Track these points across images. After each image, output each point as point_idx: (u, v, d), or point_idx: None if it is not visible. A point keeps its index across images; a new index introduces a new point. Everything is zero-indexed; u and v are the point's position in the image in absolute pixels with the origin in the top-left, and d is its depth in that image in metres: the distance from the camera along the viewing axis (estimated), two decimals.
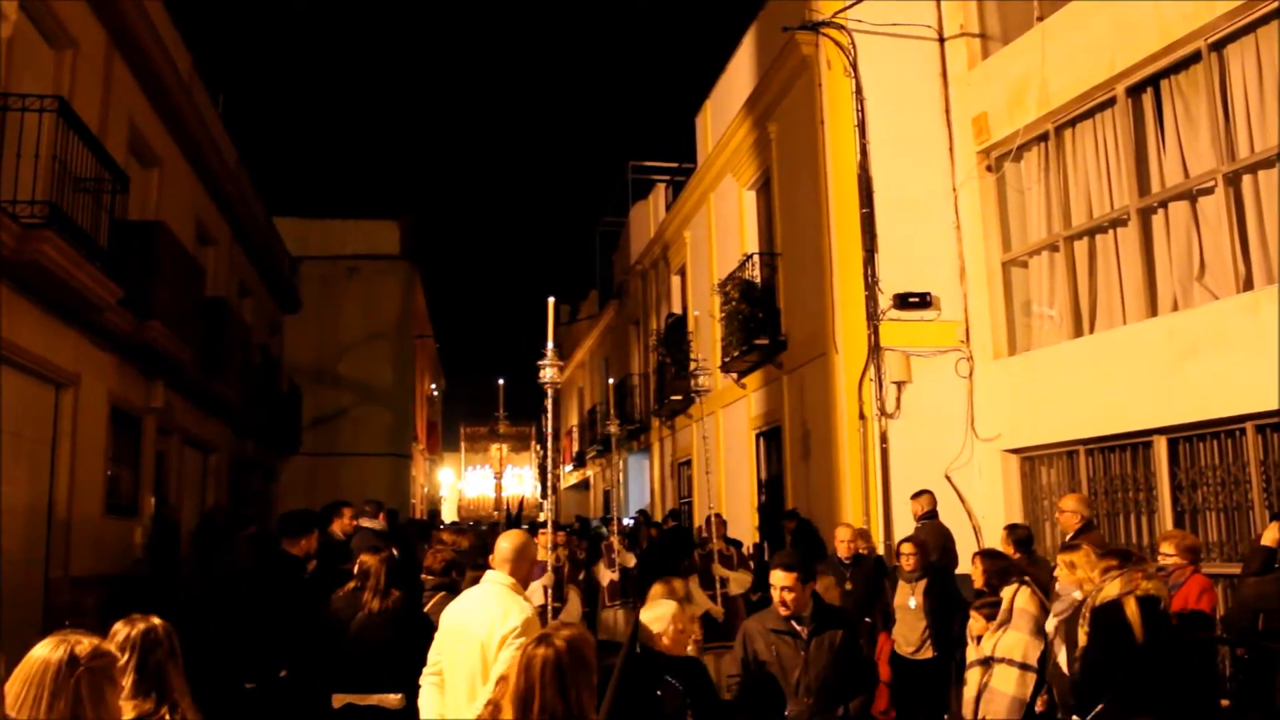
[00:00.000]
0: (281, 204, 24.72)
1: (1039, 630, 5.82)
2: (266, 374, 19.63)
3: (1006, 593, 6.14)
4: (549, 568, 7.74)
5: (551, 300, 7.77)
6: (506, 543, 4.78)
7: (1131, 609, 4.80)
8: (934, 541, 9.67)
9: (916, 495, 10.23)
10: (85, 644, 2.64)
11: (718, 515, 10.94)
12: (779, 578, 4.88)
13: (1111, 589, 4.94)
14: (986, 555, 7.00)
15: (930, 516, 10.00)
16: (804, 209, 12.85)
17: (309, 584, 7.30)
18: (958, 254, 11.80)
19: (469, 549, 8.95)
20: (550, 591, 7.70)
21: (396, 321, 27.62)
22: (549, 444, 8.28)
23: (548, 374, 7.64)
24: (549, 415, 7.99)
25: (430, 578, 6.96)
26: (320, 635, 6.23)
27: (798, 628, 4.87)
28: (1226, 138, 8.59)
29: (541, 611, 6.31)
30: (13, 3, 8.63)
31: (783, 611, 4.89)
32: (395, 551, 7.67)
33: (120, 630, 3.20)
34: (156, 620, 3.29)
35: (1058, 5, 10.47)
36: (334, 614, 6.19)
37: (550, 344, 7.59)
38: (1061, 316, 10.59)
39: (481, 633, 4.47)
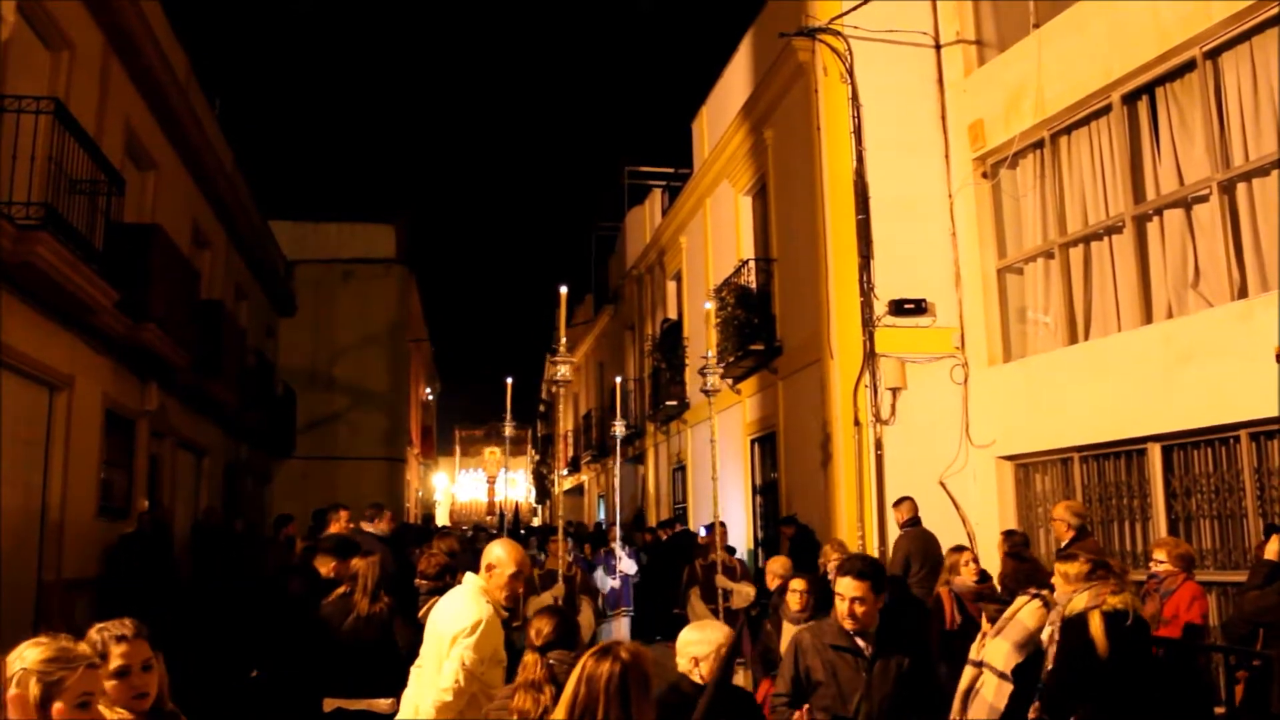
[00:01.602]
0: (278, 207, 24.73)
1: (1026, 645, 5.79)
2: (261, 377, 19.62)
3: (1019, 601, 6.11)
4: (559, 577, 7.46)
5: (564, 290, 7.16)
6: (494, 548, 4.80)
7: (1095, 624, 4.75)
8: (915, 549, 9.58)
9: (898, 503, 10.22)
10: (43, 648, 2.67)
11: (721, 523, 10.35)
12: (849, 586, 4.23)
13: (1078, 603, 4.90)
14: (1014, 556, 6.92)
15: (913, 524, 9.94)
16: (800, 215, 12.86)
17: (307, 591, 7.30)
18: (953, 260, 11.81)
19: (457, 552, 8.88)
20: (561, 602, 7.45)
21: (392, 325, 27.61)
22: (557, 444, 8.06)
23: (561, 370, 7.17)
24: (558, 414, 7.68)
25: (424, 582, 6.96)
26: (307, 639, 6.23)
27: (861, 644, 4.24)
28: (1221, 145, 8.61)
29: None
30: (11, 3, 8.62)
31: (849, 625, 4.25)
32: (393, 557, 7.69)
33: (91, 635, 3.15)
34: (117, 625, 3.22)
35: (1053, 12, 10.49)
36: (324, 618, 6.19)
37: (564, 339, 7.12)
38: (1056, 323, 10.61)
39: (442, 630, 4.55)
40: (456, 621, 4.47)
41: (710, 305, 9.10)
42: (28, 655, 2.65)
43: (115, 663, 3.09)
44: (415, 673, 4.85)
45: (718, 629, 4.12)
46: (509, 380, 11.44)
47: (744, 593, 10.14)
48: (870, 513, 11.08)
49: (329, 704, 5.96)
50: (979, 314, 11.51)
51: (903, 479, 11.02)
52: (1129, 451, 9.48)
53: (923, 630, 5.58)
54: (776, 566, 8.23)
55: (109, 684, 3.05)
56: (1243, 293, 8.37)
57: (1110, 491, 9.73)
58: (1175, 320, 8.99)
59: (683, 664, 4.09)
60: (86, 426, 10.78)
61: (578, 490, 34.14)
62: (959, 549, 7.86)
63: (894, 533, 10.78)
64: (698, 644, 4.04)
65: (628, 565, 12.99)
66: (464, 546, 10.72)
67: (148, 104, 12.78)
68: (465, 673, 4.33)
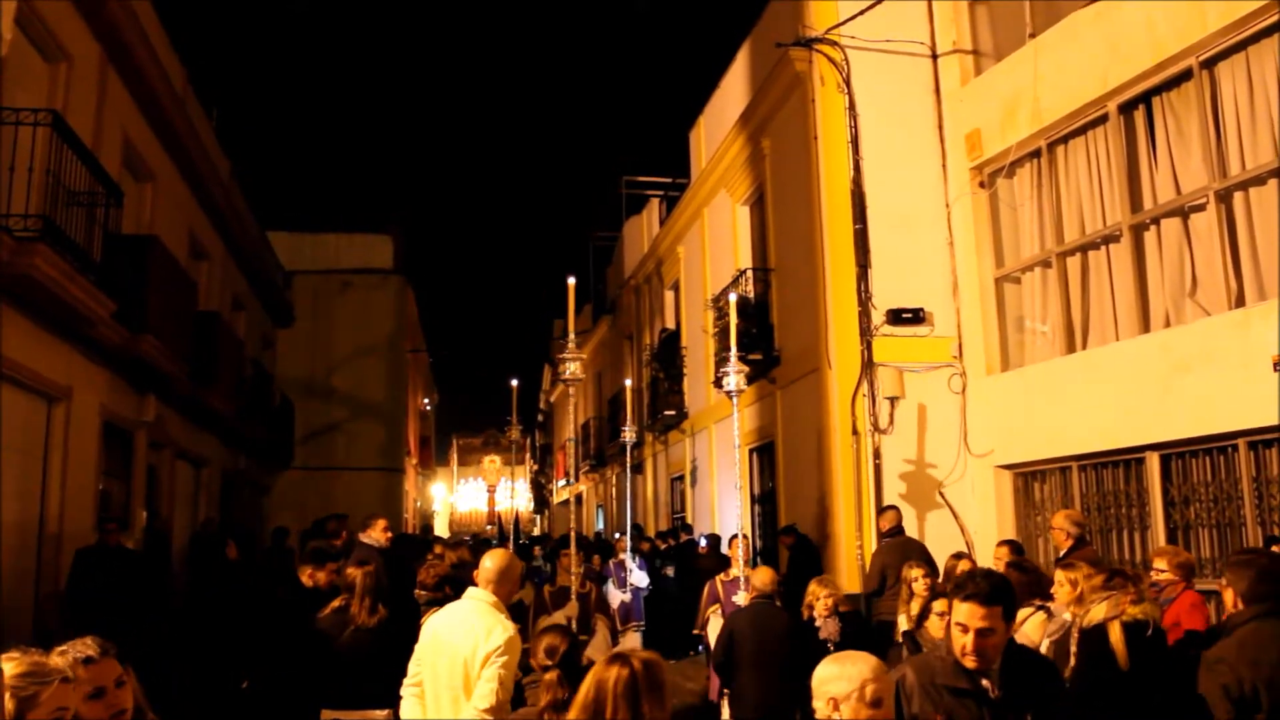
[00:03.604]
0: (275, 218, 24.74)
1: None
2: (259, 388, 19.59)
3: (1023, 613, 6.09)
4: (573, 595, 7.13)
5: (572, 281, 6.87)
6: (490, 562, 4.80)
7: (1115, 635, 4.68)
8: (891, 560, 9.43)
9: (881, 512, 10.23)
10: (15, 661, 2.66)
11: (745, 537, 9.61)
12: (973, 613, 3.33)
13: (1098, 613, 4.85)
14: (1016, 567, 6.89)
15: (895, 533, 9.92)
16: (797, 224, 12.87)
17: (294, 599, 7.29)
18: (951, 270, 11.82)
19: (468, 562, 8.72)
20: (575, 623, 7.13)
21: (389, 336, 27.60)
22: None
23: (570, 369, 6.76)
24: (564, 416, 7.36)
25: (423, 593, 6.93)
26: (298, 649, 6.22)
27: (985, 685, 3.35)
28: (1218, 155, 8.63)
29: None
30: (9, 20, 8.62)
31: (970, 663, 3.34)
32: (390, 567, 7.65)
33: (54, 660, 3.06)
34: (80, 646, 3.14)
35: (1050, 22, 10.53)
36: (321, 631, 6.18)
37: (572, 335, 6.79)
38: (1054, 332, 10.62)
39: (465, 648, 4.52)
40: (488, 640, 4.48)
41: (734, 297, 8.77)
42: (5, 668, 2.64)
43: (86, 687, 3.03)
44: (415, 690, 4.78)
45: (861, 660, 3.12)
46: (514, 382, 11.16)
47: None
48: (869, 523, 11.06)
49: (326, 715, 5.95)
50: (977, 323, 11.51)
51: (901, 489, 11.03)
52: (1127, 460, 9.48)
53: (1049, 663, 5.05)
54: (759, 580, 7.54)
55: (85, 706, 3.01)
56: (1240, 301, 8.38)
57: (1109, 500, 9.73)
58: (1173, 329, 9.00)
59: (820, 708, 3.12)
60: (84, 438, 10.75)
61: (576, 500, 34.10)
62: (958, 556, 7.83)
63: None
64: (836, 680, 3.06)
65: (639, 578, 12.66)
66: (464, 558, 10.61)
67: (145, 115, 12.79)
68: (503, 689, 4.38)
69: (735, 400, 8.25)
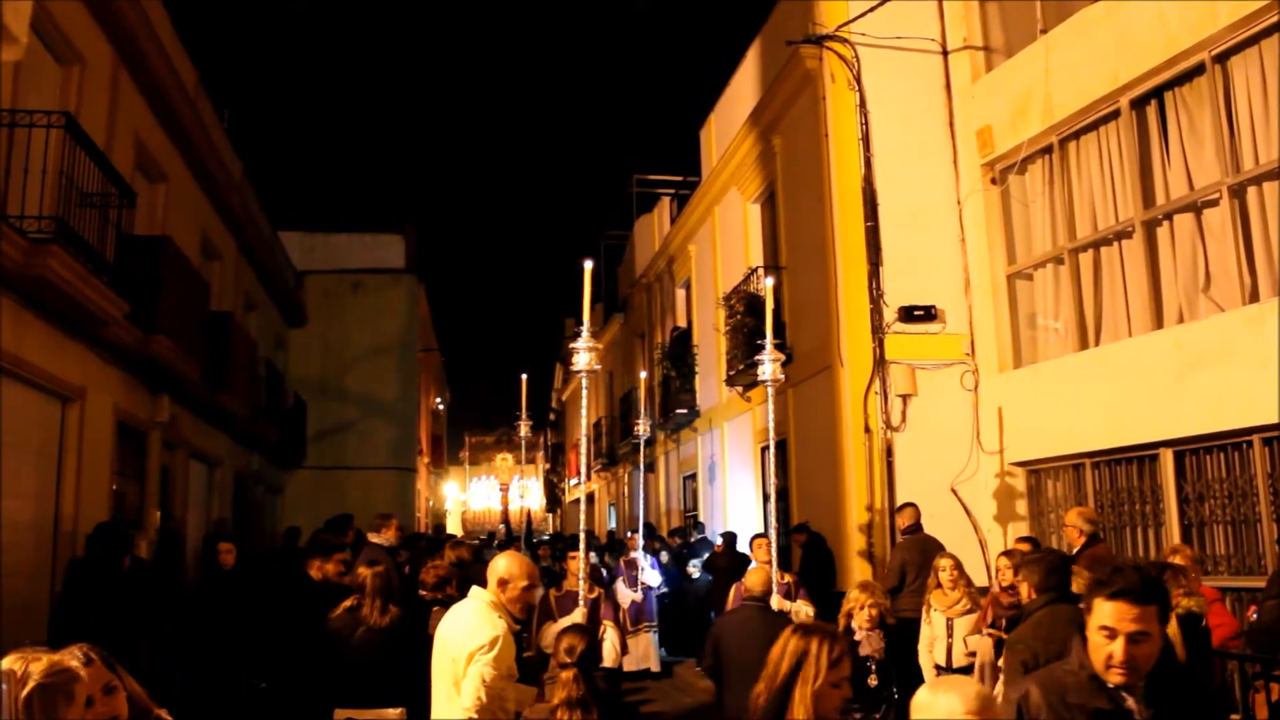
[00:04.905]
0: (287, 218, 24.77)
1: None
2: (271, 388, 19.62)
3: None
4: (580, 600, 6.96)
5: (588, 265, 6.49)
6: (500, 561, 4.77)
7: (1172, 628, 4.58)
8: (910, 558, 9.45)
9: (900, 509, 10.21)
10: (43, 660, 2.66)
11: (767, 536, 8.75)
12: (1123, 614, 2.81)
13: None
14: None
15: (914, 530, 9.92)
16: (808, 222, 12.86)
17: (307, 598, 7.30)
18: (962, 267, 11.80)
19: (467, 562, 8.70)
20: None
21: (401, 335, 27.61)
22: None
23: (583, 360, 6.39)
24: (578, 408, 6.96)
25: (425, 593, 6.94)
26: (312, 648, 6.24)
27: (1130, 704, 2.82)
28: (1231, 150, 8.59)
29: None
30: (22, 24, 8.65)
31: (1116, 677, 2.82)
32: (405, 567, 7.66)
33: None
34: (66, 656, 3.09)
35: (1060, 18, 10.49)
36: (333, 631, 6.21)
37: (587, 321, 6.47)
38: (1066, 329, 10.58)
39: (454, 647, 4.49)
40: (473, 638, 4.41)
41: (769, 282, 8.51)
42: (33, 669, 2.65)
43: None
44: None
45: (956, 690, 2.60)
46: (524, 376, 11.14)
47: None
48: (881, 520, 11.05)
49: (339, 715, 5.97)
50: (989, 320, 11.48)
51: (914, 486, 10.99)
52: (1141, 457, 9.45)
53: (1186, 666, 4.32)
54: (750, 582, 6.84)
55: (76, 715, 2.99)
56: (1254, 297, 8.34)
57: (1122, 497, 9.70)
58: (1186, 325, 8.97)
59: None
60: (98, 438, 10.79)
61: (587, 499, 34.09)
62: (1006, 554, 7.51)
63: None
64: (925, 709, 2.62)
65: (651, 577, 12.56)
66: (475, 556, 10.62)
67: (157, 117, 12.83)
68: (486, 689, 4.30)
69: (770, 390, 7.87)
